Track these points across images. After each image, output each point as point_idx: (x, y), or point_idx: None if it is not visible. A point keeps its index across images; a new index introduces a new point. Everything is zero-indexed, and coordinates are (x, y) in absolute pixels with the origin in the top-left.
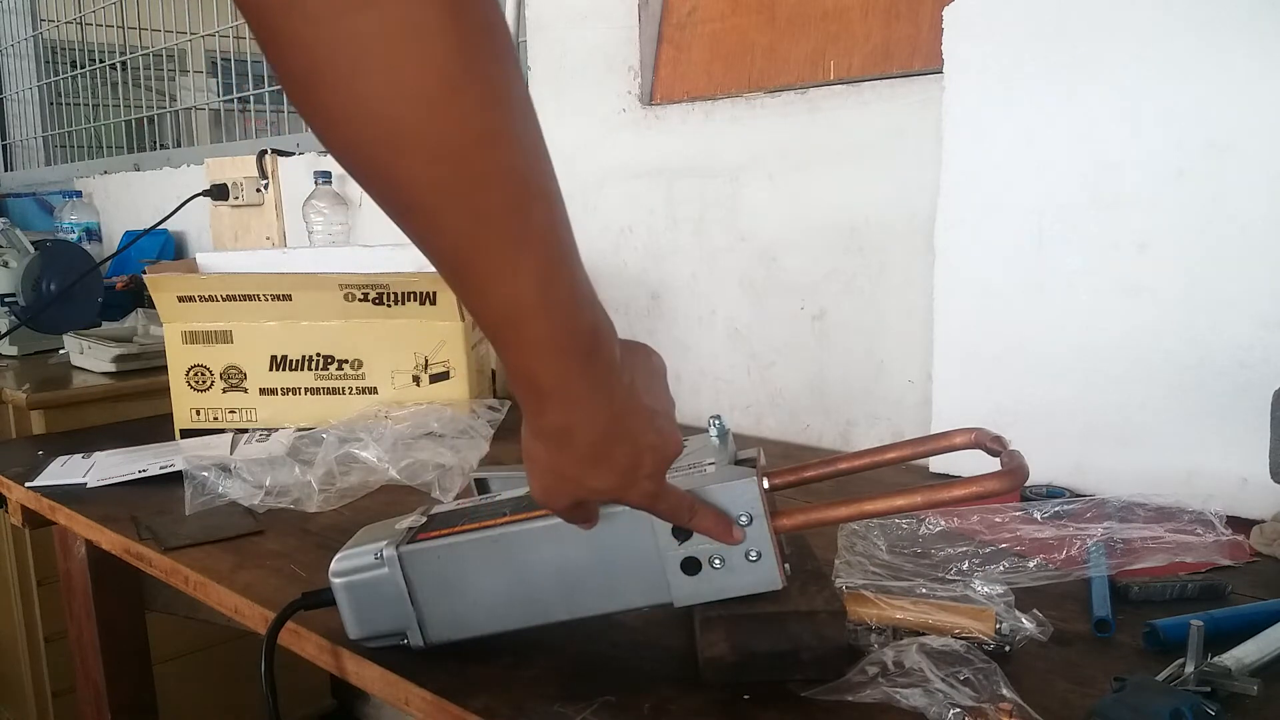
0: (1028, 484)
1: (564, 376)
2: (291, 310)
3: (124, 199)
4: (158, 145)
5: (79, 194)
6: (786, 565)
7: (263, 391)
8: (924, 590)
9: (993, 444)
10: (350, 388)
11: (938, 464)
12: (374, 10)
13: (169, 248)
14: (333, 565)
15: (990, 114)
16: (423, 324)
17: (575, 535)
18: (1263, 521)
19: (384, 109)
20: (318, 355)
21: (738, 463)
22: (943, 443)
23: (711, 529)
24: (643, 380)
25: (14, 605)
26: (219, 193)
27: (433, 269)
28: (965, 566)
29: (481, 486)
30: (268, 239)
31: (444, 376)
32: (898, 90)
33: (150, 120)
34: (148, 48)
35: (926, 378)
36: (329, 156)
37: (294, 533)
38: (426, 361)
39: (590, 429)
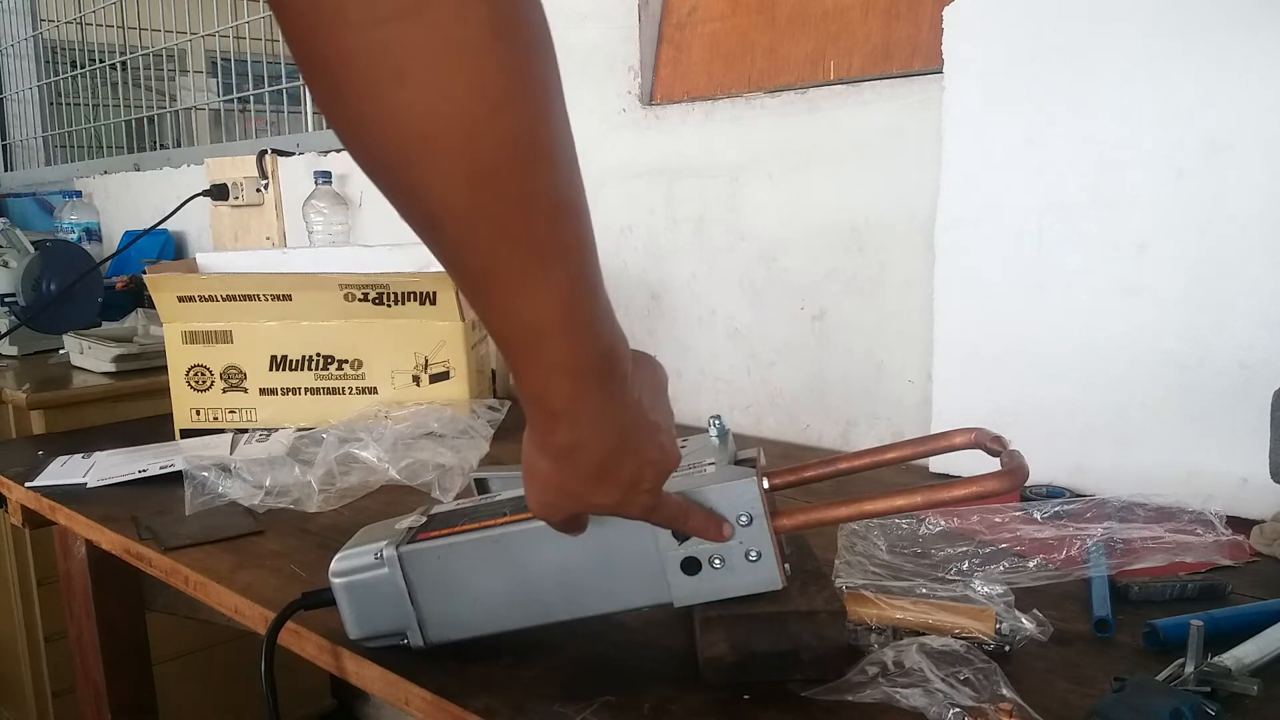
0: (1028, 484)
1: (578, 396)
2: (291, 310)
3: (124, 199)
4: (158, 145)
5: (79, 194)
6: (786, 565)
7: (263, 391)
8: (924, 590)
9: (993, 444)
10: (350, 388)
11: (938, 464)
12: (422, 20)
13: (169, 248)
14: (333, 565)
15: (990, 114)
16: (423, 324)
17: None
18: (1263, 521)
19: (425, 124)
20: (318, 355)
21: (738, 463)
22: (943, 443)
23: (701, 529)
24: (649, 396)
25: (14, 605)
26: (219, 193)
27: (434, 269)
28: (965, 566)
29: (481, 486)
30: (268, 239)
31: (444, 376)
32: (898, 90)
33: (150, 120)
34: (148, 48)
35: (926, 378)
36: (329, 156)
37: (294, 533)
38: (426, 361)
39: (599, 447)
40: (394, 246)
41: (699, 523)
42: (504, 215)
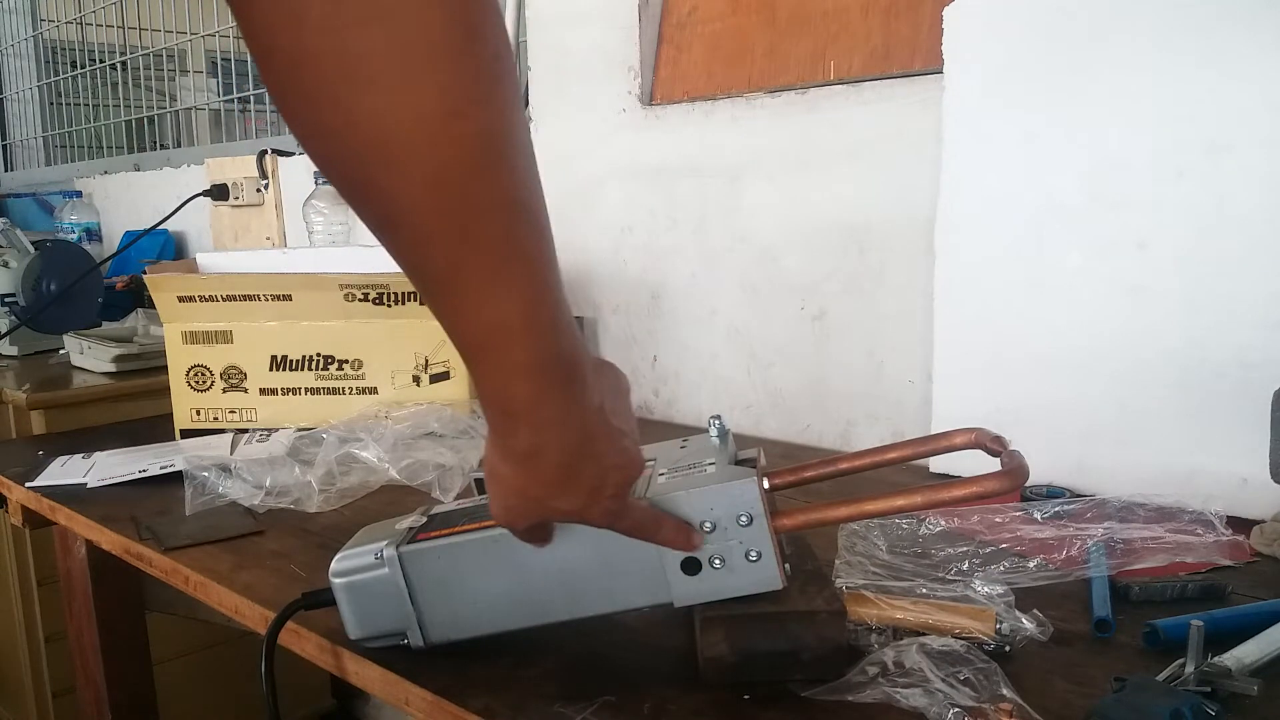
0: (1028, 484)
1: (539, 399)
2: (291, 310)
3: (124, 199)
4: (158, 145)
5: (79, 194)
6: (786, 565)
7: (263, 391)
8: (924, 590)
9: (993, 444)
10: (350, 388)
11: (938, 464)
12: (388, 26)
13: (169, 248)
14: (333, 565)
15: (990, 114)
16: (423, 324)
17: (575, 535)
18: (1263, 521)
19: (387, 129)
20: (318, 355)
21: (738, 463)
22: (943, 443)
23: (671, 539)
24: (610, 402)
25: (14, 605)
26: (219, 193)
27: None
28: (965, 566)
29: (481, 486)
30: (268, 239)
31: (444, 376)
32: (898, 90)
33: (150, 120)
34: (148, 48)
35: (926, 378)
36: None
37: (294, 533)
38: (426, 361)
39: (560, 450)
40: None
41: (669, 533)
42: (463, 217)
